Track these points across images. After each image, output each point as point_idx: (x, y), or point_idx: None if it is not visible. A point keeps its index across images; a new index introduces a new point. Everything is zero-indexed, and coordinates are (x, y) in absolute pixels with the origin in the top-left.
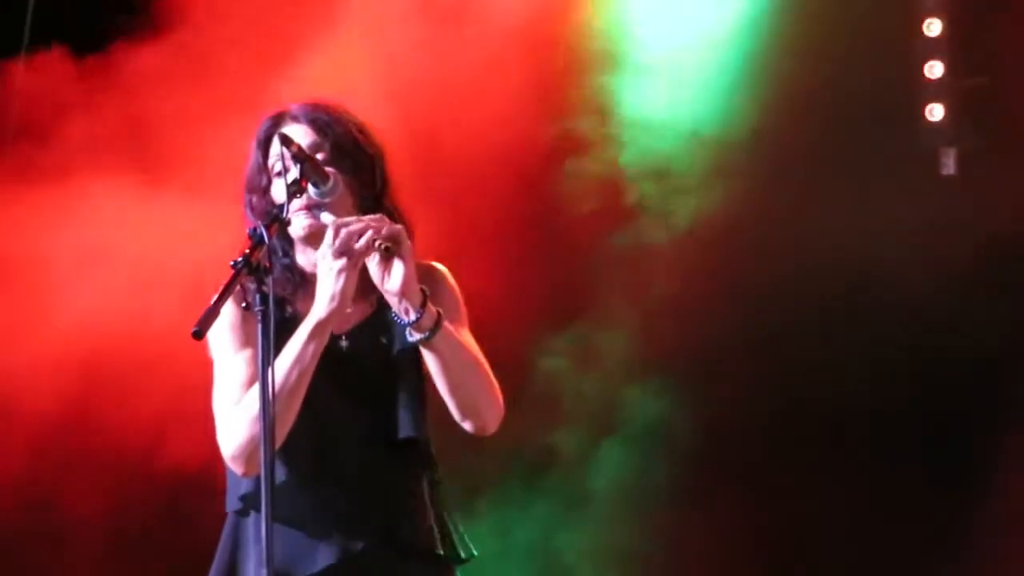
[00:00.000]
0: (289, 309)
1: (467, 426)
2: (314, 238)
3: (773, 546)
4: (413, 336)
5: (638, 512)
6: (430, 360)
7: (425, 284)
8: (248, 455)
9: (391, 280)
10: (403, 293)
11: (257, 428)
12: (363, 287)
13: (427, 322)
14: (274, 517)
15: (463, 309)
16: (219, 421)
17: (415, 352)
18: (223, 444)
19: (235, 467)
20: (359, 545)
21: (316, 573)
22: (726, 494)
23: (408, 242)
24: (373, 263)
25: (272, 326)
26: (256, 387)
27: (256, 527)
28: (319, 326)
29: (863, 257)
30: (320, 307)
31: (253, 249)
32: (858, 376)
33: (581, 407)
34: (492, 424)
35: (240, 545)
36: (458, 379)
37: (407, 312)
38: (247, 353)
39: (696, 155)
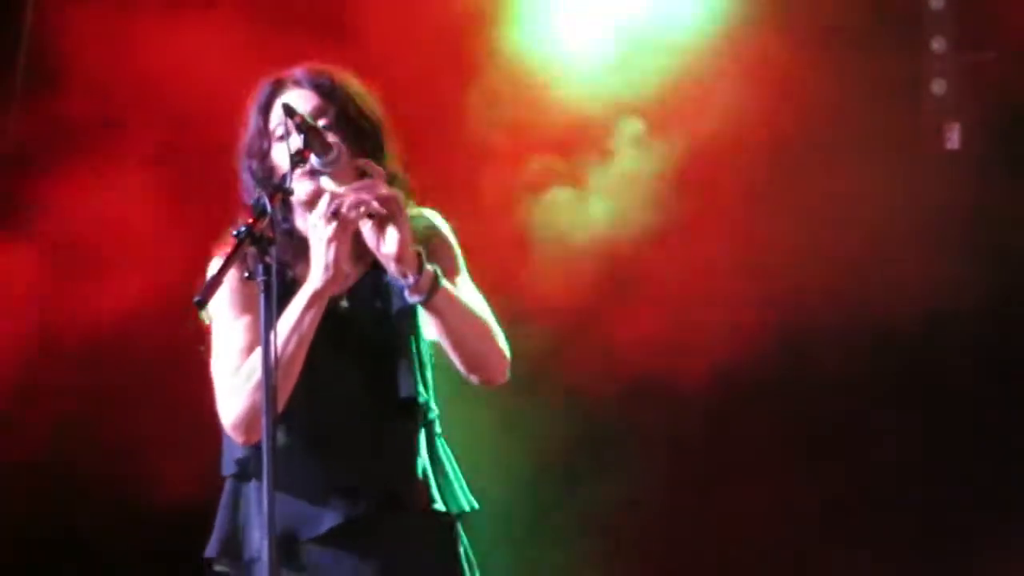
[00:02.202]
0: (290, 274)
1: (474, 379)
2: (315, 202)
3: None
4: (412, 298)
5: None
6: (432, 319)
7: (419, 240)
8: (248, 423)
9: (386, 245)
10: (398, 258)
11: (257, 396)
12: (361, 246)
13: (424, 284)
14: (275, 482)
15: (459, 256)
16: (218, 389)
17: (414, 310)
18: (222, 413)
19: (235, 436)
20: (363, 506)
21: (322, 534)
22: (733, 489)
23: (404, 208)
24: (367, 228)
25: (275, 297)
26: (255, 354)
27: (259, 492)
28: (315, 296)
29: (865, 230)
30: (315, 277)
31: (256, 219)
32: (859, 352)
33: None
34: (499, 376)
35: (242, 509)
36: (460, 335)
37: (404, 275)
38: (247, 319)
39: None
